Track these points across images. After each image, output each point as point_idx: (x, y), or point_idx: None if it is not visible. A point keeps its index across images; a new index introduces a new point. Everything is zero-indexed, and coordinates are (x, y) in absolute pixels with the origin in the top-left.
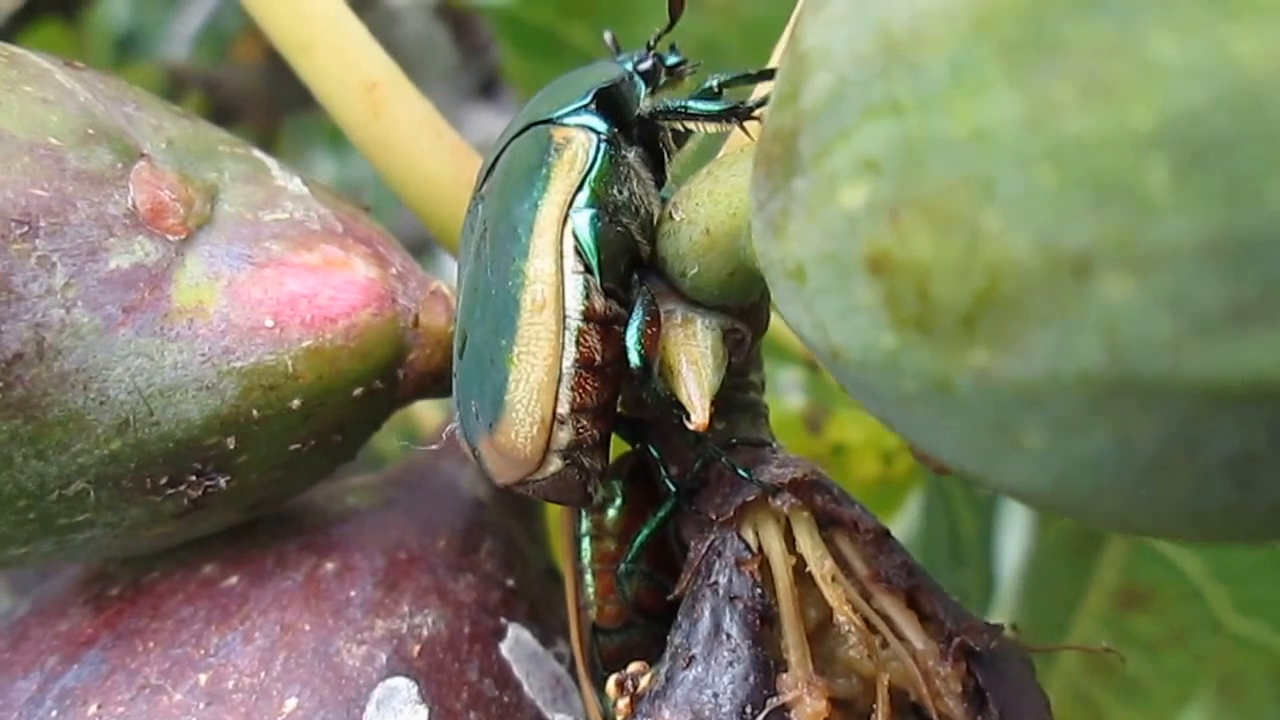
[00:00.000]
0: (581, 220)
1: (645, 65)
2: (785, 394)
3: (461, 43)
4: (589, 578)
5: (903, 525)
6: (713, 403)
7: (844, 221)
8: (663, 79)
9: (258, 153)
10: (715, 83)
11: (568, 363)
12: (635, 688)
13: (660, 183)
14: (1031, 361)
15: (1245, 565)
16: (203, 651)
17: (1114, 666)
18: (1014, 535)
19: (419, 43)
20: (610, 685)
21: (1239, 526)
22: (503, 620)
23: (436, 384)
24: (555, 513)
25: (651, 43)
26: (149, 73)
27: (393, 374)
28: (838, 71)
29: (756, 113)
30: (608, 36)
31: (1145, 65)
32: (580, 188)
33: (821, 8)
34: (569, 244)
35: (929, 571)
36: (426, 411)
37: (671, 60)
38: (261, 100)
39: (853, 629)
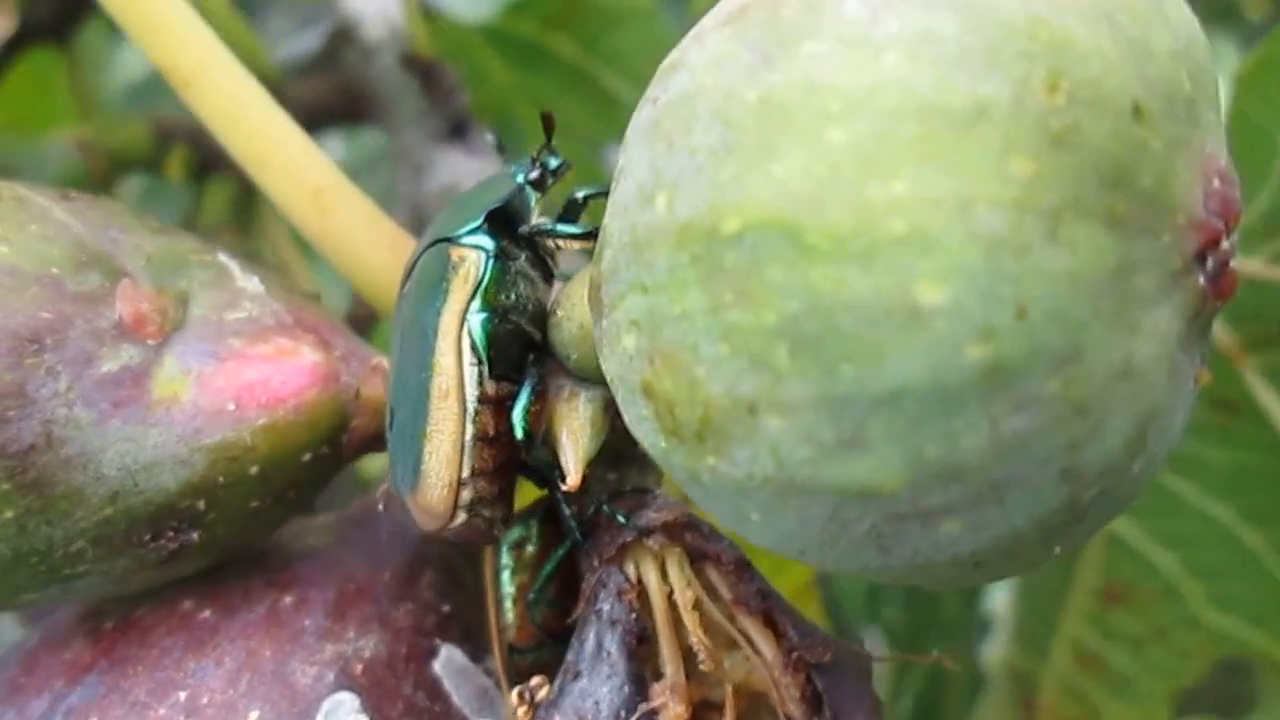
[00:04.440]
0: (475, 323)
1: (534, 176)
2: None
3: (429, 90)
4: (508, 604)
5: None
6: (603, 458)
7: (625, 358)
8: (550, 181)
9: (223, 257)
10: (581, 196)
11: (468, 437)
12: (533, 698)
13: (550, 277)
14: (739, 467)
15: (1215, 562)
16: (182, 674)
17: (1104, 663)
18: None
19: (394, 81)
20: (513, 697)
21: (897, 577)
22: (436, 641)
23: (377, 444)
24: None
25: (535, 154)
26: (138, 128)
27: (337, 440)
28: (614, 253)
29: None
30: (490, 139)
31: (767, 284)
32: (473, 297)
33: (614, 192)
34: (466, 343)
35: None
36: None
37: (554, 164)
38: None
39: (702, 646)
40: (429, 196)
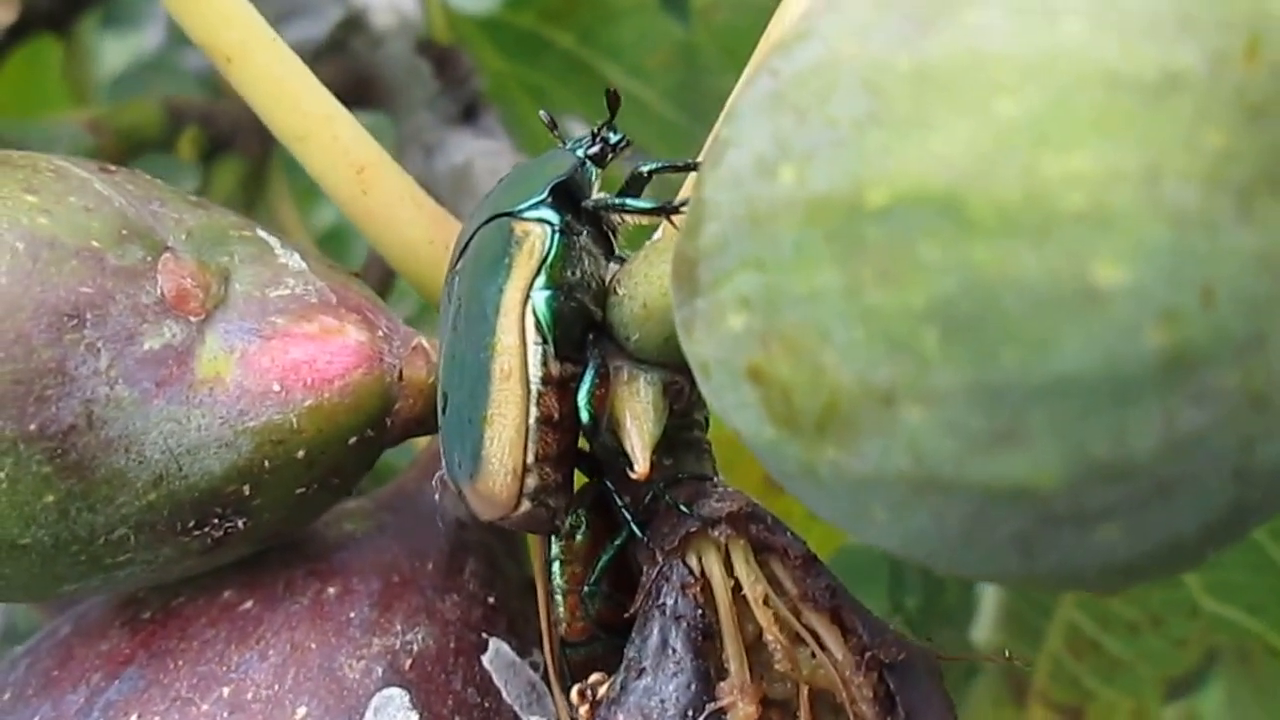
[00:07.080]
0: (540, 300)
1: (594, 151)
2: None
3: (442, 75)
4: (559, 597)
5: None
6: (659, 444)
7: (731, 338)
8: (610, 156)
9: (262, 232)
10: (645, 170)
11: (531, 420)
12: (594, 696)
13: (610, 254)
14: (866, 461)
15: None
16: (225, 668)
17: (1098, 647)
18: None
19: (404, 65)
20: (573, 694)
21: (1036, 582)
22: (484, 635)
23: (420, 427)
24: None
25: (596, 130)
26: (150, 109)
27: (382, 423)
28: (723, 226)
29: (683, 209)
30: (544, 115)
31: (917, 262)
32: (538, 273)
33: (716, 165)
34: (530, 321)
35: (900, 567)
36: None
37: (614, 139)
38: (254, 130)
39: (777, 644)
40: (439, 176)
